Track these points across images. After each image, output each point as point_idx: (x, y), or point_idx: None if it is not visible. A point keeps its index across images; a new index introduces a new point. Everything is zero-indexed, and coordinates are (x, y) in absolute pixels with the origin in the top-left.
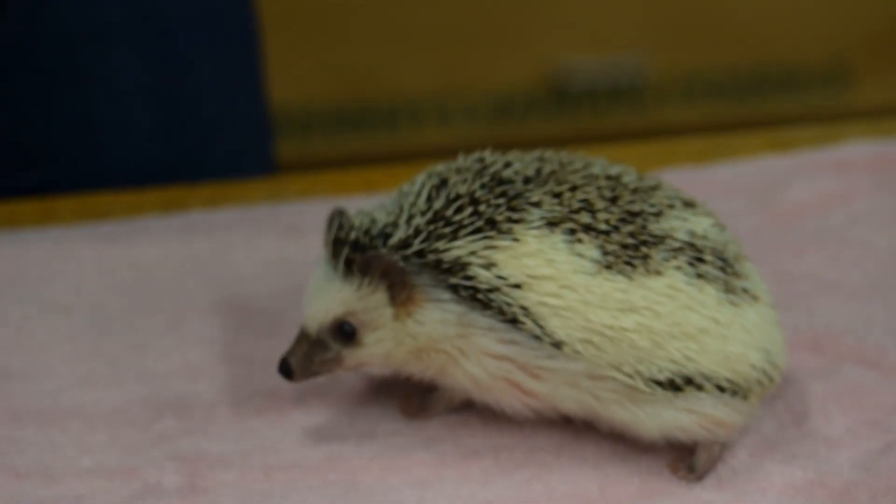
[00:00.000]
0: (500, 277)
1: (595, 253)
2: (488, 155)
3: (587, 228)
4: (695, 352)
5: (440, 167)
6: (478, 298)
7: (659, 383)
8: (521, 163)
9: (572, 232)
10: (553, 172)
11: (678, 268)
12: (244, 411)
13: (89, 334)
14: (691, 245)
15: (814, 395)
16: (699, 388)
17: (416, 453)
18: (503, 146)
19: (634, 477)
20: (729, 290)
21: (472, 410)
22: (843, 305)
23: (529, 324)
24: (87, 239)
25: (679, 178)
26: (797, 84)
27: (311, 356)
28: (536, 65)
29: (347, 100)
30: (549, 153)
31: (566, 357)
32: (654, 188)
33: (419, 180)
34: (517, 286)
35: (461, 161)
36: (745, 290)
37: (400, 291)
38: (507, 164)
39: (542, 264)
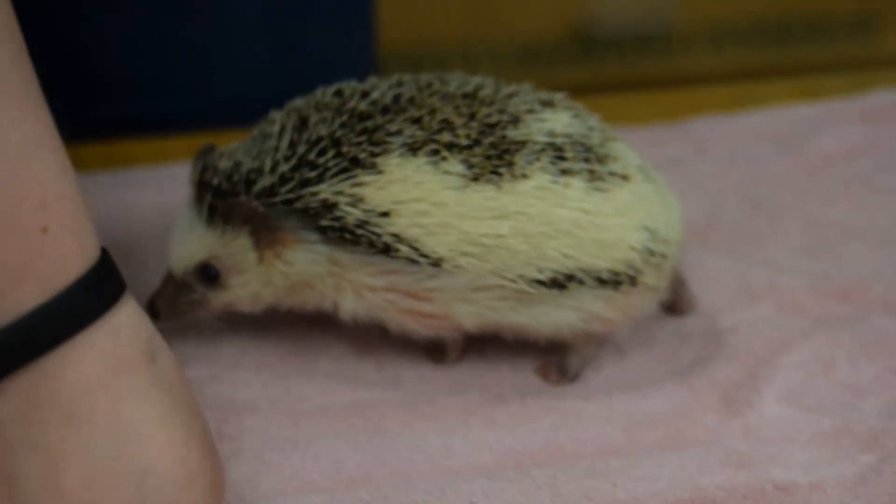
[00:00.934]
0: (367, 210)
1: (460, 168)
2: (346, 87)
3: (450, 146)
4: (571, 247)
5: (299, 103)
6: (346, 238)
7: (542, 283)
8: (379, 91)
9: (435, 153)
10: (411, 99)
11: (542, 168)
12: (271, 358)
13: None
14: (551, 144)
15: (841, 343)
16: (581, 283)
17: (442, 399)
18: None
19: (660, 424)
20: (595, 178)
21: (500, 356)
22: (871, 253)
23: (404, 249)
24: (114, 186)
25: (707, 125)
26: (825, 32)
27: (176, 297)
28: (563, 11)
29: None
30: (406, 76)
31: (449, 273)
32: (511, 96)
33: (279, 120)
34: (385, 214)
35: (320, 96)
36: (612, 174)
37: (263, 237)
38: (365, 95)
39: (409, 188)
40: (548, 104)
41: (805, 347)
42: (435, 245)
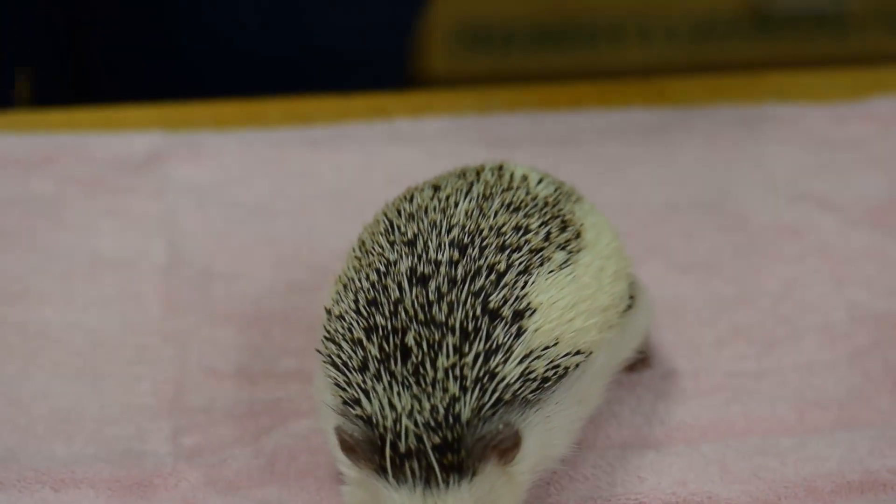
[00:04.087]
0: (545, 350)
1: (561, 256)
2: (404, 269)
3: (544, 246)
4: (627, 263)
5: (400, 320)
6: (546, 387)
7: (629, 307)
8: (434, 247)
9: (541, 260)
10: (466, 230)
11: (579, 212)
12: None
13: (290, 239)
14: (556, 190)
15: None
16: (634, 293)
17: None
18: (704, 68)
19: (832, 405)
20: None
21: (677, 332)
22: None
23: (575, 358)
24: (293, 143)
25: (890, 105)
26: None
27: None
28: None
29: (549, 16)
30: (408, 209)
31: (593, 357)
32: (493, 175)
33: (410, 342)
34: (555, 344)
35: (402, 295)
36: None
37: (514, 451)
38: (437, 264)
39: (554, 308)
40: (500, 168)
41: None
42: (587, 338)
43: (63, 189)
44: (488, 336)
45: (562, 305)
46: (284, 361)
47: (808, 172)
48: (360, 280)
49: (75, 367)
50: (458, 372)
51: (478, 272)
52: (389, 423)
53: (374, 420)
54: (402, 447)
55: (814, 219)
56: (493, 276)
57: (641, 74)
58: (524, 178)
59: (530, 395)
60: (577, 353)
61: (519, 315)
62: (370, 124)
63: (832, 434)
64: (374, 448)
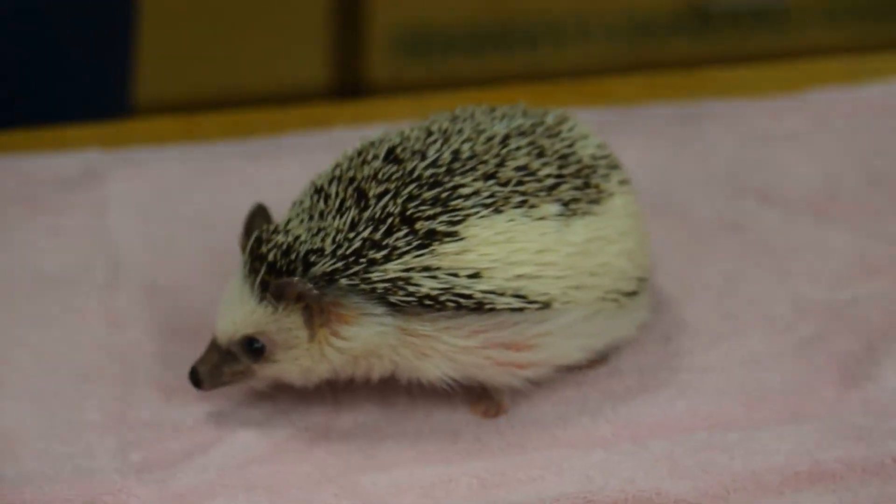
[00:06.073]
0: (449, 275)
1: (556, 208)
2: (397, 147)
3: (537, 193)
4: (646, 254)
5: (352, 171)
6: (425, 304)
7: (631, 293)
8: (434, 149)
9: (523, 203)
10: (473, 152)
11: (618, 183)
12: None
13: (233, 251)
14: (603, 157)
15: None
16: (644, 286)
17: (558, 372)
18: (644, 66)
19: (778, 397)
20: (625, 183)
21: None
22: None
23: (504, 300)
24: (232, 156)
25: (826, 98)
26: None
27: (220, 367)
28: None
29: (488, 18)
30: (438, 120)
31: (558, 312)
32: (541, 120)
33: (333, 191)
34: (474, 276)
35: (371, 160)
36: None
37: (317, 317)
38: (423, 156)
39: (497, 247)
40: (564, 119)
41: None
42: (543, 288)
43: (2, 209)
44: (387, 234)
45: (511, 249)
46: None
47: (747, 167)
48: None
49: (21, 386)
50: (341, 238)
51: (437, 184)
52: (273, 234)
53: (271, 228)
54: (258, 250)
55: (755, 213)
56: (449, 195)
57: (582, 75)
58: (584, 136)
59: (402, 304)
60: (517, 297)
61: (434, 236)
62: (309, 135)
63: (780, 427)
64: (244, 240)
